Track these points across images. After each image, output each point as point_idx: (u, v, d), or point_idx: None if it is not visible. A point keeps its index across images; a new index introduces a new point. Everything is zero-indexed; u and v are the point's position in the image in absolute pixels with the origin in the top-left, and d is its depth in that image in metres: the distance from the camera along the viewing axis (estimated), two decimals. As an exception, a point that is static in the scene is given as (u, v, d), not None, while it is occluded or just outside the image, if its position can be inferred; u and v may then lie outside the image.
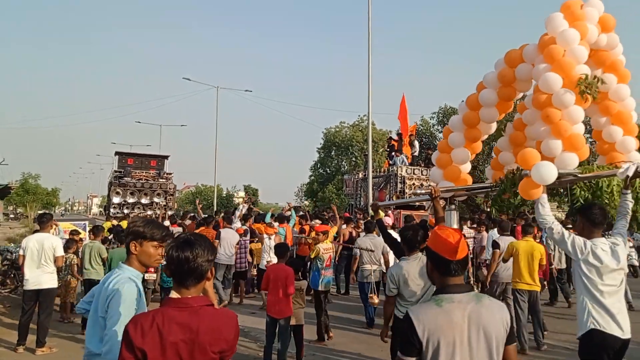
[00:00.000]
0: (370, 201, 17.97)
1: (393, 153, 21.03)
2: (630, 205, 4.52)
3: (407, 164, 20.41)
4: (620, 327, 4.00)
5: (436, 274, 2.52)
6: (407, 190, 18.54)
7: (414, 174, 19.67)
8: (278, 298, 6.39)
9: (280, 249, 7.03)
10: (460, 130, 6.23)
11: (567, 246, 4.25)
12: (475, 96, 6.06)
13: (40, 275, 7.33)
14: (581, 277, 4.15)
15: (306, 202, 49.42)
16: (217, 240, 10.59)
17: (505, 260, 7.62)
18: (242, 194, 67.70)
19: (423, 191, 6.42)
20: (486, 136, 6.41)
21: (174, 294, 2.25)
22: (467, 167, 6.43)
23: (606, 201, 5.12)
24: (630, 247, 16.01)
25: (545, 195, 4.76)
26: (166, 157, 26.91)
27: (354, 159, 47.62)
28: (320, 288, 7.99)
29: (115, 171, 25.46)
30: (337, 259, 12.53)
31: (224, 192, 69.87)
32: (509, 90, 5.90)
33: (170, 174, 26.00)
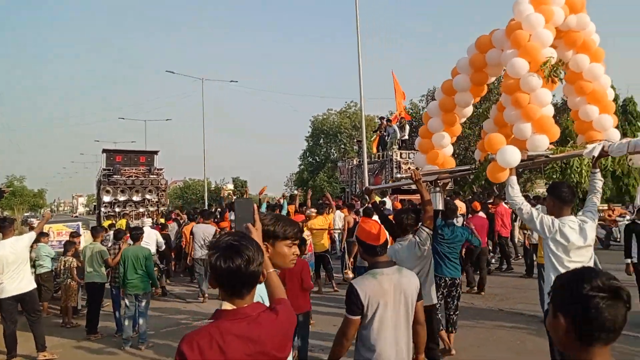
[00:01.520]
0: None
1: (384, 132, 21.16)
2: (600, 183, 4.72)
3: (399, 137, 20.47)
4: None
5: (367, 256, 3.44)
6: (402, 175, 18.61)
7: (409, 158, 19.61)
8: (295, 293, 6.07)
9: None
10: (438, 115, 6.41)
11: (535, 225, 4.47)
12: (450, 82, 6.23)
13: (20, 280, 7.15)
14: (549, 254, 4.36)
15: (296, 192, 49.43)
16: (191, 236, 11.81)
17: None
18: (230, 186, 67.52)
19: (404, 175, 6.62)
20: (464, 119, 6.58)
21: (226, 305, 2.02)
22: (449, 150, 6.62)
23: (575, 180, 5.30)
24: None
25: (514, 177, 4.96)
26: (156, 152, 26.67)
27: (342, 146, 47.69)
28: None
29: (104, 169, 25.19)
30: (342, 246, 12.75)
31: (213, 186, 69.70)
32: (481, 75, 6.06)
33: (161, 169, 25.84)
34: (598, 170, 4.76)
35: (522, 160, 5.10)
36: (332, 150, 49.66)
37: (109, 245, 9.53)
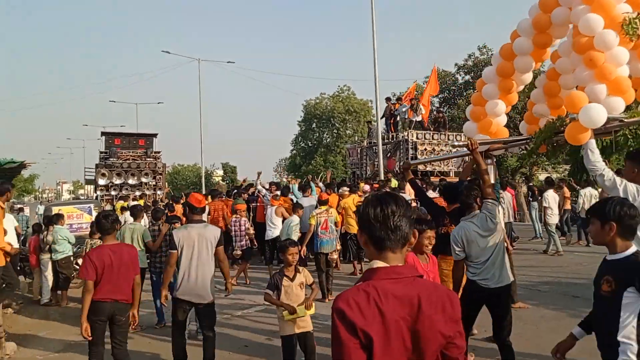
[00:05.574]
0: (382, 169, 17.91)
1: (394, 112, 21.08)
2: None
3: (408, 118, 20.36)
4: None
5: (189, 214, 5.80)
6: (419, 157, 18.08)
7: (425, 138, 19.14)
8: None
9: None
10: (494, 81, 6.10)
11: (619, 192, 4.10)
12: (509, 45, 5.90)
13: None
14: None
15: (285, 178, 48.80)
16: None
17: None
18: (220, 172, 66.96)
19: (461, 143, 6.31)
20: (522, 87, 6.28)
21: (379, 263, 1.84)
22: (503, 119, 6.32)
23: None
24: None
25: (593, 141, 4.62)
26: (154, 135, 26.24)
27: (335, 130, 47.41)
28: (318, 250, 8.70)
29: (101, 152, 24.83)
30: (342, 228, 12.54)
31: (203, 171, 69.05)
32: (544, 37, 5.73)
33: (159, 152, 25.40)
34: None
35: None
36: (325, 135, 49.30)
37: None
